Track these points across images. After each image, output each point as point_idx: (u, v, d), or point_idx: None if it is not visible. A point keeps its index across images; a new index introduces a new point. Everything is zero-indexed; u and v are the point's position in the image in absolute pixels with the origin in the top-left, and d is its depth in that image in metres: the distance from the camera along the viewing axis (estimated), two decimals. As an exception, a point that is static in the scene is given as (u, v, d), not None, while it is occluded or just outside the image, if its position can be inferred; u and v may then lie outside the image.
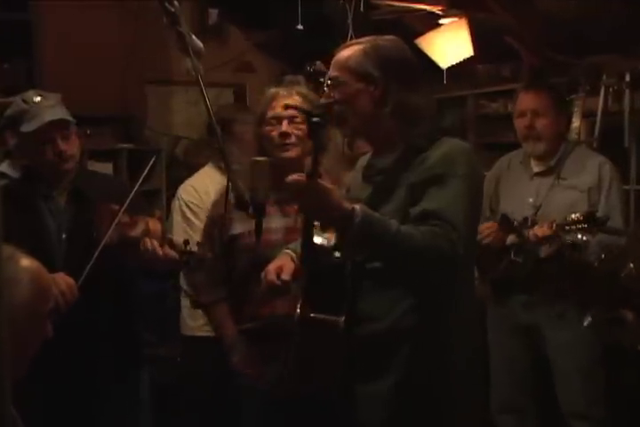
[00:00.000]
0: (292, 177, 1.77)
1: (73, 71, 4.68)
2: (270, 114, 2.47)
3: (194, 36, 2.09)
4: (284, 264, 2.14)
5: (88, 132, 4.36)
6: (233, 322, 2.54)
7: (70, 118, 2.47)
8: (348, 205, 1.77)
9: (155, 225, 2.36)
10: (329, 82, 2.02)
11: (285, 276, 2.09)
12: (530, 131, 3.09)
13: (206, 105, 2.04)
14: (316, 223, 2.05)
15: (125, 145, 4.87)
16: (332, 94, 2.02)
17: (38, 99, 2.42)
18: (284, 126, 2.44)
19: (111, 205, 2.35)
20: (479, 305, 2.35)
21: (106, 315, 2.45)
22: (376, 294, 1.94)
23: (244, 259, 2.47)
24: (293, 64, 5.55)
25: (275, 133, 2.45)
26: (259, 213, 2.09)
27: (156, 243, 2.29)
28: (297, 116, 2.45)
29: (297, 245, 2.27)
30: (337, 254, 1.92)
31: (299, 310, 1.94)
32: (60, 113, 2.44)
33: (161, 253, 2.29)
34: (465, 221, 1.85)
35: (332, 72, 2.02)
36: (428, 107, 2.02)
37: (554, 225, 2.83)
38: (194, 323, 3.22)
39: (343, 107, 1.99)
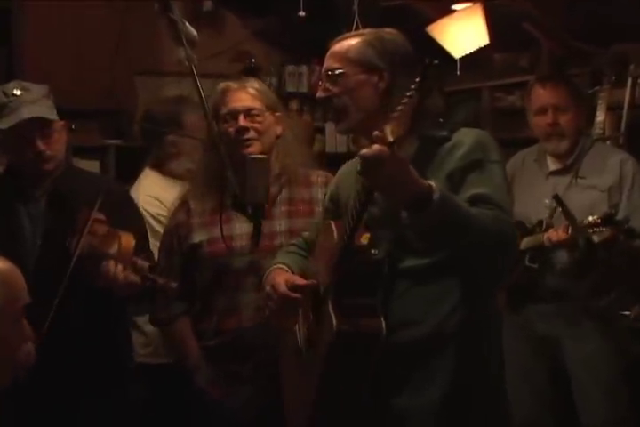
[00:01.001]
0: (373, 147, 1.69)
1: (56, 61, 4.67)
2: (224, 110, 2.48)
3: (187, 24, 2.10)
4: (289, 277, 2.13)
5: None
6: (195, 339, 2.52)
7: (52, 116, 2.43)
8: (424, 180, 1.76)
9: (128, 241, 2.31)
10: (328, 74, 2.02)
11: (299, 287, 2.07)
12: (553, 128, 3.08)
13: (200, 98, 2.05)
14: (331, 222, 2.04)
15: (113, 141, 4.88)
16: (329, 87, 2.02)
17: (19, 92, 2.40)
18: (241, 121, 2.45)
19: (97, 213, 2.34)
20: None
21: (86, 328, 2.44)
22: (416, 294, 1.94)
23: (208, 268, 2.47)
24: (294, 54, 5.58)
25: (231, 129, 2.46)
26: (257, 215, 2.10)
27: (119, 267, 2.24)
28: (253, 109, 2.47)
29: (282, 256, 2.26)
30: (374, 252, 1.91)
31: (334, 320, 1.91)
32: (40, 110, 2.40)
33: (121, 278, 2.24)
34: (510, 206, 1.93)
35: (331, 64, 2.02)
36: (436, 101, 2.03)
37: (570, 228, 2.83)
38: (142, 350, 3.05)
39: (343, 100, 2.00)
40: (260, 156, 2.20)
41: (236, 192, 2.18)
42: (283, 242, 2.41)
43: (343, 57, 2.00)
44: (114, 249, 2.27)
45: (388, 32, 2.05)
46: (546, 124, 3.09)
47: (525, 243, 3.02)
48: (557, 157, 3.14)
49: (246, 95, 2.49)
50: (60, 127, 2.49)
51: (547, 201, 3.02)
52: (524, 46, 4.71)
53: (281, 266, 2.19)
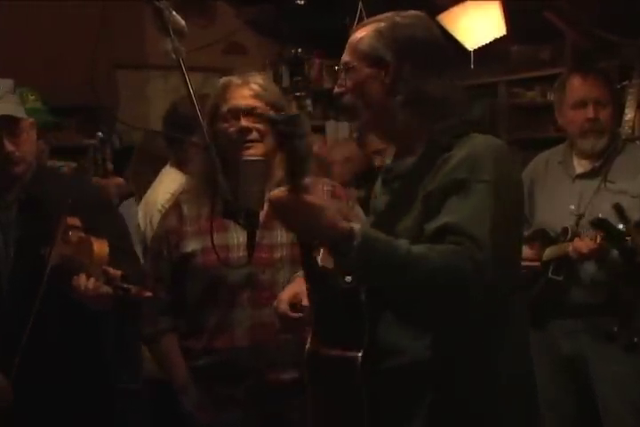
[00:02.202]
0: (273, 193, 1.75)
1: (29, 54, 4.68)
2: (225, 107, 2.46)
3: (174, 13, 2.09)
4: (299, 292, 2.14)
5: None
6: (183, 358, 2.51)
7: (19, 114, 2.42)
8: (344, 224, 1.75)
9: (101, 249, 2.28)
10: (340, 68, 2.02)
11: (301, 306, 2.10)
12: (593, 124, 3.07)
13: (189, 93, 2.04)
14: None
15: (92, 141, 4.89)
16: (342, 83, 2.02)
17: None
18: (243, 121, 2.44)
19: (71, 218, 2.33)
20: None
21: (66, 342, 2.44)
22: (398, 323, 1.92)
23: (200, 281, 2.46)
24: (290, 45, 5.58)
25: (232, 129, 2.45)
26: (251, 223, 2.08)
27: (91, 280, 2.23)
28: (257, 108, 2.45)
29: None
30: (348, 279, 1.90)
31: (308, 346, 1.94)
32: (6, 107, 2.39)
33: (92, 291, 2.23)
34: (494, 237, 1.81)
35: (344, 57, 2.02)
36: (455, 98, 2.01)
37: (598, 237, 2.82)
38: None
39: (352, 97, 1.99)
40: (255, 158, 2.19)
41: (228, 198, 2.17)
42: (283, 254, 2.41)
43: (354, 49, 2.00)
44: (86, 259, 2.27)
45: (407, 16, 2.01)
46: (585, 119, 3.07)
47: (549, 253, 3.01)
48: (591, 157, 3.11)
49: (249, 92, 2.47)
50: (29, 126, 2.47)
51: (572, 207, 3.00)
52: (545, 38, 4.72)
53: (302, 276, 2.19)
